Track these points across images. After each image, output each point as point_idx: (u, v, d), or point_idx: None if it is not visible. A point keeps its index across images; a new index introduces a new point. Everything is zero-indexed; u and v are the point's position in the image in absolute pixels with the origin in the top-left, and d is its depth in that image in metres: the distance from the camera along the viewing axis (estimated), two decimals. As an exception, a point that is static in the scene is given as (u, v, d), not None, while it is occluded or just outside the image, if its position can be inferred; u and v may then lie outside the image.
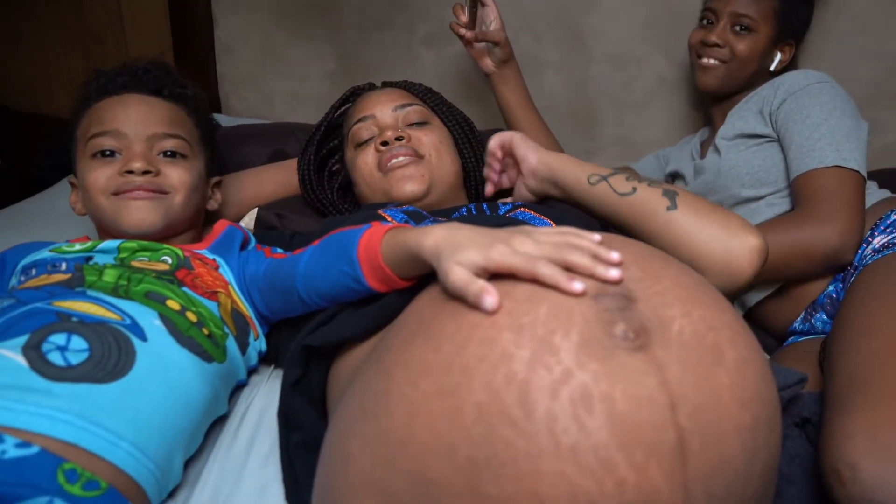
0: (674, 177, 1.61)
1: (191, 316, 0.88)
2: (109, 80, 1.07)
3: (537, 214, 1.03)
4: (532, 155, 1.09)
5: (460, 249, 0.62)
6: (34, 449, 0.67)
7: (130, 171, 0.98)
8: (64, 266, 0.92)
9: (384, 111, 1.21)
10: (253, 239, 1.09)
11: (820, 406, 0.92)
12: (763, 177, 1.33)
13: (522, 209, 1.06)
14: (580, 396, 0.50)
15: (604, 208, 1.03)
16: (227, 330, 0.93)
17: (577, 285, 0.56)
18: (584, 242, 0.62)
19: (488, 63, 1.48)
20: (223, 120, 1.74)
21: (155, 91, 1.07)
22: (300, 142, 1.51)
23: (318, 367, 0.86)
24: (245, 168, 1.39)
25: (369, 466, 0.57)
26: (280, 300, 0.96)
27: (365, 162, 1.18)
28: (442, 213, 1.08)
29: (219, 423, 0.93)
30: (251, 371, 1.01)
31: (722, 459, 0.52)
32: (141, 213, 0.98)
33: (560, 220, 1.00)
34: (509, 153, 1.14)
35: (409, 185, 1.12)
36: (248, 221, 1.28)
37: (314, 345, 0.84)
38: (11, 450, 0.66)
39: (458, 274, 0.60)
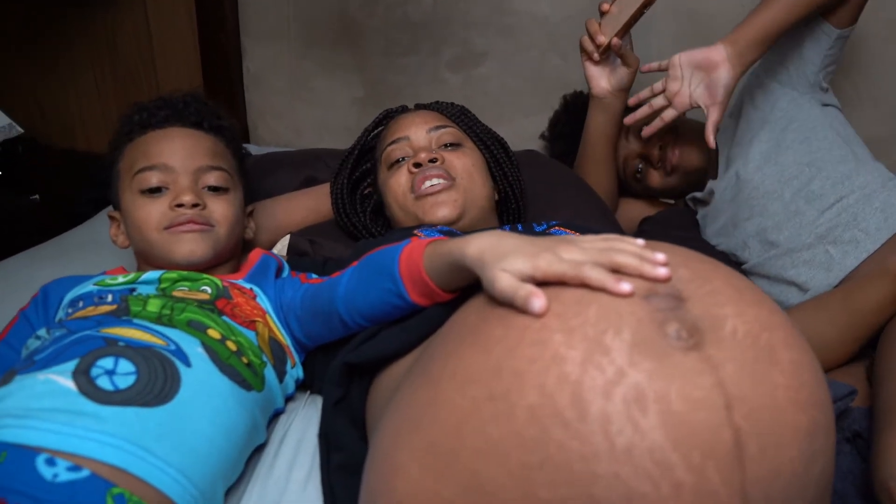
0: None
1: (231, 345, 0.88)
2: (151, 113, 1.08)
3: (573, 233, 1.02)
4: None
5: (506, 257, 0.61)
6: (84, 473, 0.67)
7: (181, 205, 1.00)
8: (110, 298, 0.94)
9: (418, 132, 1.21)
10: (287, 266, 1.10)
11: (871, 421, 0.90)
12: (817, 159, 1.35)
13: (558, 227, 1.06)
14: (634, 397, 0.49)
15: None
16: (265, 359, 0.93)
17: (626, 286, 0.56)
18: (628, 246, 0.61)
19: (603, 84, 1.44)
20: (252, 149, 1.76)
21: (196, 124, 1.09)
22: (330, 168, 1.52)
23: (358, 385, 0.86)
24: (276, 195, 1.40)
25: (419, 477, 0.56)
26: (320, 325, 0.95)
27: (398, 183, 1.18)
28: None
29: (257, 449, 0.92)
30: (288, 398, 1.01)
31: (780, 463, 0.51)
32: (192, 244, 1.00)
33: None
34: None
35: (442, 210, 1.12)
36: (281, 248, 1.28)
37: (356, 361, 0.83)
38: (63, 473, 0.66)
39: (504, 280, 0.59)
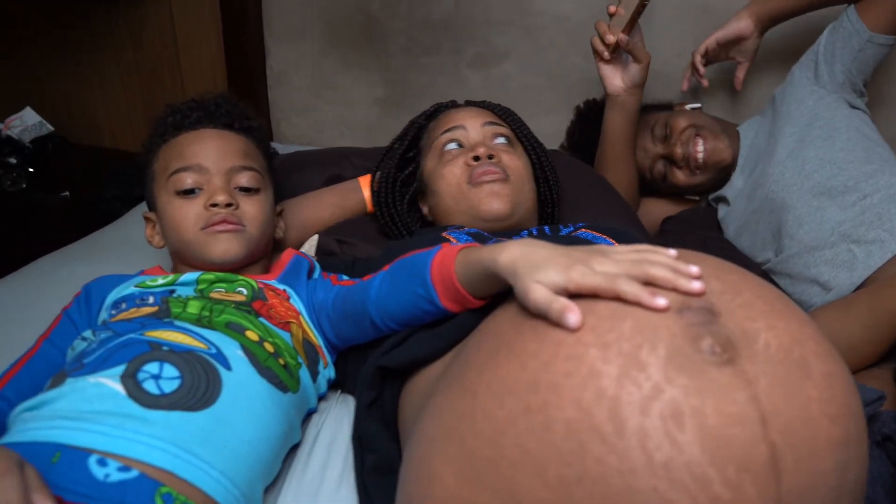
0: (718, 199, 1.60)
1: (268, 346, 0.90)
2: (184, 115, 1.10)
3: (599, 234, 1.03)
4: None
5: (539, 268, 0.61)
6: (133, 473, 0.69)
7: (215, 204, 1.02)
8: (151, 299, 0.96)
9: (474, 124, 1.22)
10: (318, 267, 1.11)
11: (901, 425, 0.90)
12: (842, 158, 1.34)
13: (584, 230, 1.06)
14: (671, 412, 0.50)
15: None
16: (300, 360, 0.94)
17: (661, 300, 0.56)
18: (661, 258, 0.61)
19: (617, 82, 1.47)
20: (275, 147, 1.77)
21: (227, 125, 1.10)
22: (356, 167, 1.52)
23: (390, 388, 0.86)
24: (301, 193, 1.41)
25: (455, 485, 0.58)
26: (351, 327, 0.97)
27: (453, 173, 1.18)
28: (504, 236, 1.08)
29: (291, 448, 0.94)
30: (320, 398, 1.03)
31: (815, 475, 0.52)
32: (226, 244, 1.01)
33: (622, 240, 1.00)
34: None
35: (497, 202, 1.12)
36: (309, 248, 1.29)
37: (389, 365, 0.84)
38: (114, 473, 0.69)
39: (538, 292, 0.59)
